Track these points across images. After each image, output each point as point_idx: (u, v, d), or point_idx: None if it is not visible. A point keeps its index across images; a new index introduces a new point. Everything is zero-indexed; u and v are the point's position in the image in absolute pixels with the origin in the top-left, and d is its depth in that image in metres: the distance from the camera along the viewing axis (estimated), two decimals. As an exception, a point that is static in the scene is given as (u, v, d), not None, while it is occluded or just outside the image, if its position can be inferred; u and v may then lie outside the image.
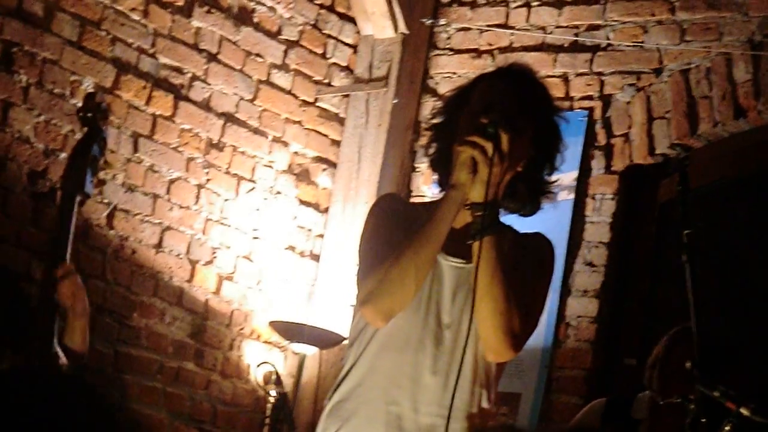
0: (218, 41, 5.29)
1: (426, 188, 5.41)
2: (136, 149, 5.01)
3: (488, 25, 5.49)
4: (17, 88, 4.66)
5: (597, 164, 5.01)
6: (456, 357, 2.79)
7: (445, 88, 5.49)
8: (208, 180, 5.23)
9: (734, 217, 4.90)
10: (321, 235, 5.55)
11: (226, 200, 5.28)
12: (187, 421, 5.10)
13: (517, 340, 2.77)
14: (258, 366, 5.24)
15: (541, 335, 4.85)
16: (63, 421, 1.81)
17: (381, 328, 2.82)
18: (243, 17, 5.38)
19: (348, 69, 5.71)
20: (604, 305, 4.87)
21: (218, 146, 5.28)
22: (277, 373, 5.20)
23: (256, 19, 5.42)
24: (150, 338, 5.01)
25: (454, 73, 5.50)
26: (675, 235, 2.88)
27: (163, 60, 5.10)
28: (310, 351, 5.30)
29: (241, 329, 5.29)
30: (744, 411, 2.69)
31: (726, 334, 4.30)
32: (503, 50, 5.41)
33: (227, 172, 5.29)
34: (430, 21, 5.61)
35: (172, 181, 5.12)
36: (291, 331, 5.22)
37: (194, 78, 5.21)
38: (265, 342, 5.35)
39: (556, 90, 5.20)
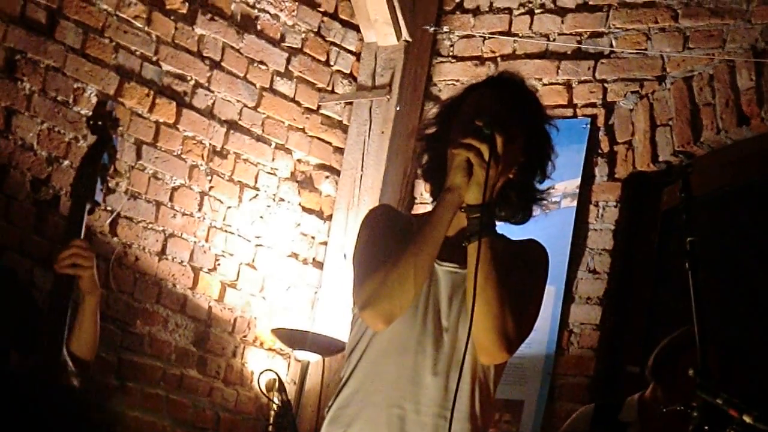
0: (221, 49, 5.29)
1: (429, 195, 5.40)
2: (139, 156, 5.01)
3: (491, 33, 5.49)
4: (20, 96, 4.66)
5: (600, 171, 5.01)
6: (455, 359, 2.80)
7: (448, 95, 5.47)
8: (211, 187, 5.23)
9: (737, 225, 4.90)
10: (324, 243, 5.55)
11: (229, 207, 5.28)
12: (189, 428, 5.10)
13: (510, 342, 2.77)
14: (261, 373, 5.23)
15: (543, 342, 4.84)
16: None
17: (379, 335, 2.83)
18: (246, 25, 5.38)
19: (351, 76, 5.71)
20: (607, 312, 4.86)
21: (221, 153, 5.28)
22: (280, 381, 5.20)
23: (259, 27, 5.43)
24: (153, 345, 5.01)
25: (457, 81, 5.49)
26: (678, 242, 2.88)
27: (166, 67, 5.11)
28: (314, 358, 5.30)
29: (244, 336, 5.29)
30: (747, 419, 2.68)
31: (729, 341, 4.29)
32: (506, 58, 5.41)
33: (230, 180, 5.30)
34: (433, 28, 5.61)
35: (175, 189, 5.12)
36: (294, 339, 5.21)
37: (197, 85, 5.21)
38: (269, 349, 5.35)
39: (559, 97, 5.21)
